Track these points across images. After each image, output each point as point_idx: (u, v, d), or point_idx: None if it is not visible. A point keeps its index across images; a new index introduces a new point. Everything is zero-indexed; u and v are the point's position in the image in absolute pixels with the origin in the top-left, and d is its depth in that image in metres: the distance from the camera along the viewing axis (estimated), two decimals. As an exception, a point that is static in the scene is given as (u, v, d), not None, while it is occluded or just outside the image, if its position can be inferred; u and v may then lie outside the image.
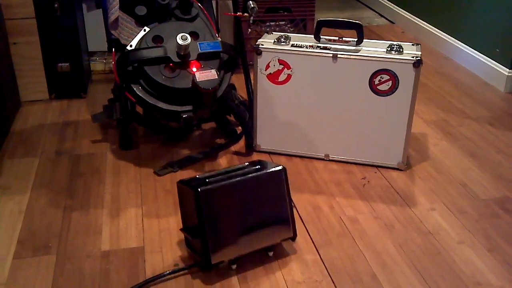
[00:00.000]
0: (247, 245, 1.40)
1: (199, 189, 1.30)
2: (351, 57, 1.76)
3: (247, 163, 1.49)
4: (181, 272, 1.40)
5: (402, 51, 1.76)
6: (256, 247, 1.41)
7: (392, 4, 3.61)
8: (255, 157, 1.94)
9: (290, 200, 1.44)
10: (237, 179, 1.37)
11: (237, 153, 1.97)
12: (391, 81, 1.75)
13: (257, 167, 1.44)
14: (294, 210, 1.66)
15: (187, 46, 1.68)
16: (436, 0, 3.09)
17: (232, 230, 1.36)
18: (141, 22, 1.80)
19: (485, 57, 2.67)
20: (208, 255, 1.34)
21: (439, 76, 2.71)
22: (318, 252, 1.48)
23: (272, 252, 1.45)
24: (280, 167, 1.42)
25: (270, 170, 1.41)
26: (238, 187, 1.36)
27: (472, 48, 2.78)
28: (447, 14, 2.99)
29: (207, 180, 1.36)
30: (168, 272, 1.38)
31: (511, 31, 2.49)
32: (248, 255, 1.40)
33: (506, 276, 1.40)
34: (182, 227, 1.45)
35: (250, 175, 1.38)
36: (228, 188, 1.35)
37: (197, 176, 1.41)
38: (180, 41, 1.67)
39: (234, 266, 1.40)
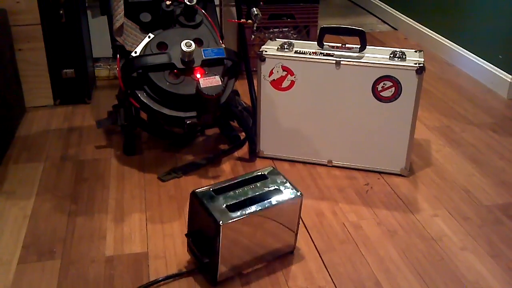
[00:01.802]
0: (252, 262, 1.42)
1: (221, 224, 1.28)
2: (354, 63, 1.76)
3: (261, 173, 1.47)
4: (184, 276, 1.40)
5: (405, 57, 1.76)
6: (259, 263, 1.44)
7: (395, 11, 3.62)
8: (258, 163, 1.95)
9: (299, 221, 1.45)
10: (258, 210, 1.34)
11: (240, 159, 1.98)
12: (394, 88, 1.76)
13: (274, 187, 1.41)
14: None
15: (191, 52, 1.69)
16: (439, 6, 3.10)
17: (242, 251, 1.37)
18: (145, 28, 1.81)
19: (488, 63, 2.68)
20: (215, 274, 1.35)
21: (442, 83, 2.71)
22: (321, 258, 1.49)
23: (272, 258, 1.46)
24: (299, 194, 1.41)
25: (290, 198, 1.39)
26: (258, 217, 1.34)
27: (475, 54, 2.78)
28: (450, 20, 3.00)
29: (226, 205, 1.33)
30: (161, 278, 1.39)
31: (514, 38, 2.50)
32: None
33: (509, 282, 1.40)
34: (187, 232, 1.46)
35: (270, 205, 1.36)
36: (248, 219, 1.33)
37: (212, 190, 1.38)
38: (184, 48, 1.68)
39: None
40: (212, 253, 1.33)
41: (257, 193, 1.40)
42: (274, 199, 1.38)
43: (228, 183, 1.43)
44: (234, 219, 1.30)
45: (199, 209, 1.36)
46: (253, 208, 1.34)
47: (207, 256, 1.35)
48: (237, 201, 1.36)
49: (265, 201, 1.37)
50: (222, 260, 1.33)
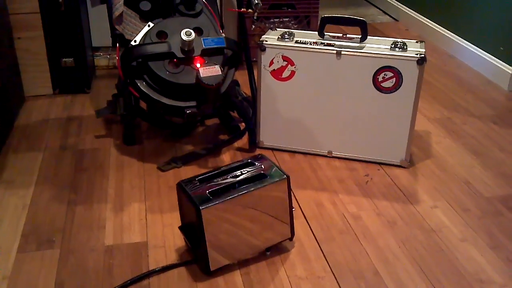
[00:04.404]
0: (246, 250, 1.41)
1: (201, 208, 1.28)
2: (355, 53, 1.76)
3: (250, 160, 1.46)
4: (181, 266, 1.40)
5: (406, 48, 1.75)
6: (255, 251, 1.43)
7: (396, 2, 3.61)
8: (258, 153, 1.94)
9: (291, 204, 1.44)
10: (241, 193, 1.33)
11: (240, 149, 1.98)
12: (394, 78, 1.75)
13: (260, 172, 1.40)
14: (297, 207, 1.66)
15: (191, 41, 1.68)
16: (440, -3, 3.09)
17: (232, 238, 1.36)
18: (145, 17, 1.80)
19: (489, 55, 2.67)
20: (207, 263, 1.35)
21: (443, 74, 2.70)
22: (320, 249, 1.49)
23: (269, 252, 1.45)
24: (284, 177, 1.39)
25: (275, 180, 1.38)
26: (241, 201, 1.34)
27: (476, 46, 2.77)
28: (451, 12, 2.99)
29: (208, 191, 1.33)
30: (157, 269, 1.39)
31: (516, 29, 2.49)
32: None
33: (509, 274, 1.40)
34: (181, 224, 1.47)
35: (253, 188, 1.35)
36: (231, 203, 1.33)
37: (197, 179, 1.38)
38: (184, 37, 1.67)
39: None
40: (200, 241, 1.33)
41: (241, 179, 1.39)
42: (257, 183, 1.37)
43: (214, 172, 1.42)
44: (215, 203, 1.30)
45: (184, 199, 1.37)
46: (235, 192, 1.34)
47: (197, 245, 1.35)
48: (220, 187, 1.35)
49: (248, 185, 1.36)
50: (211, 247, 1.33)
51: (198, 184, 1.37)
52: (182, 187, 1.37)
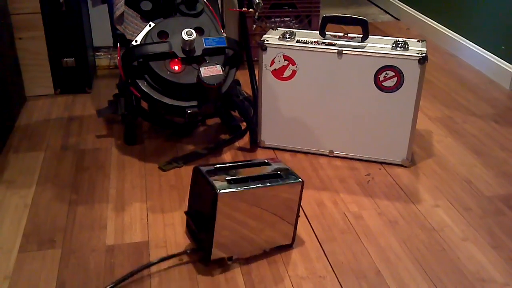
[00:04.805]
0: (247, 246, 1.41)
1: (218, 192, 1.29)
2: (356, 53, 1.75)
3: (266, 160, 1.48)
4: (184, 264, 1.40)
5: (408, 47, 1.75)
6: (255, 249, 1.43)
7: (397, 1, 3.60)
8: (259, 153, 1.95)
9: (299, 210, 1.44)
10: (257, 186, 1.35)
11: (241, 148, 1.98)
12: (396, 78, 1.75)
13: (277, 172, 1.41)
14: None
15: (192, 41, 1.68)
16: (441, -4, 3.09)
17: (238, 230, 1.37)
18: (146, 17, 1.80)
19: (490, 54, 2.67)
20: (210, 250, 1.35)
21: (444, 73, 2.70)
22: (322, 248, 1.48)
23: (269, 249, 1.45)
24: (299, 180, 1.40)
25: (290, 182, 1.40)
26: (256, 194, 1.35)
27: (477, 45, 2.77)
28: (452, 11, 2.98)
29: (226, 179, 1.34)
30: (156, 260, 1.39)
31: (517, 28, 2.48)
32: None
33: (510, 273, 1.40)
34: (187, 210, 1.46)
35: (270, 184, 1.37)
36: (246, 195, 1.34)
37: (215, 167, 1.40)
38: (185, 37, 1.67)
39: (231, 262, 1.41)
40: (208, 226, 1.33)
41: (258, 174, 1.40)
42: (274, 180, 1.38)
43: (231, 164, 1.44)
44: (232, 190, 1.31)
45: (200, 181, 1.37)
46: (252, 185, 1.35)
47: (204, 232, 1.35)
48: (237, 177, 1.37)
49: (265, 180, 1.37)
50: (217, 234, 1.33)
51: (216, 171, 1.39)
52: (199, 171, 1.38)
